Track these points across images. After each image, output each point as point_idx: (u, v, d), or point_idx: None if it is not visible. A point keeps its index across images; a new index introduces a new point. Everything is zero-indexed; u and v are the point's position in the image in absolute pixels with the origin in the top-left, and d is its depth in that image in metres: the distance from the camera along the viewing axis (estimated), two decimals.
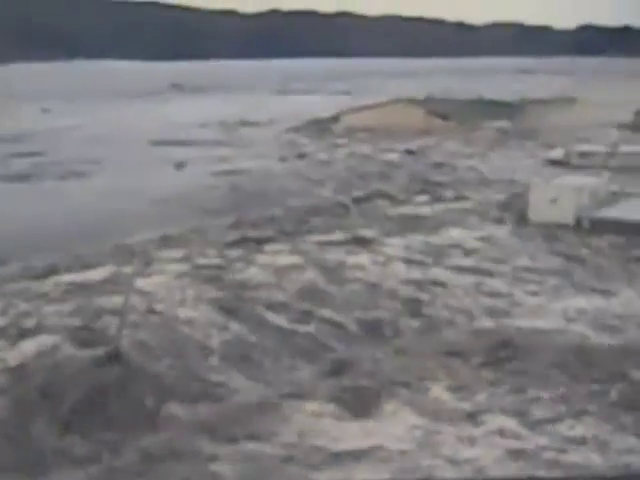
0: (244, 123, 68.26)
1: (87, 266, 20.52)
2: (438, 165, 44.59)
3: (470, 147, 51.92)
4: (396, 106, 65.70)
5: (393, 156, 47.96)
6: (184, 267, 20.14)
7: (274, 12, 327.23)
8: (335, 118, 65.29)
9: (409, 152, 49.86)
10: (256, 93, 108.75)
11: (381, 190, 35.91)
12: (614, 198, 32.86)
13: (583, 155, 41.99)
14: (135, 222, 27.72)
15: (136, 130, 61.03)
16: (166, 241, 24.82)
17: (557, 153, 44.25)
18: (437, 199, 34.07)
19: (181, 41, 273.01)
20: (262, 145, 53.63)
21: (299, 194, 34.85)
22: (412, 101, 69.14)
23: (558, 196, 30.68)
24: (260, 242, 24.29)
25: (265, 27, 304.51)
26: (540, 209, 30.86)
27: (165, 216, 29.26)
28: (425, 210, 31.20)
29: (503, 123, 63.02)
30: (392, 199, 33.93)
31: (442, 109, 65.42)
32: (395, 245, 24.65)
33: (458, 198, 34.49)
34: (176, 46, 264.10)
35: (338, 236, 25.52)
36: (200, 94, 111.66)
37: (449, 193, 35.45)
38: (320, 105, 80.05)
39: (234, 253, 22.41)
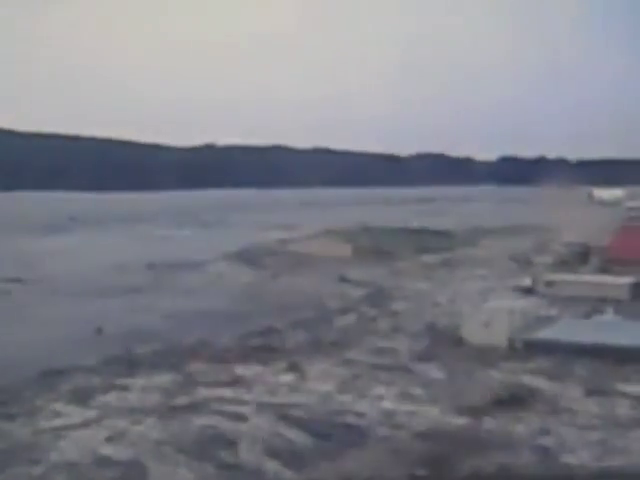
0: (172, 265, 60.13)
1: None
2: (371, 294, 46.38)
3: (404, 276, 54.21)
4: (331, 236, 68.32)
5: (329, 285, 50.05)
6: None
7: (209, 147, 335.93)
8: (269, 248, 67.56)
9: (344, 280, 51.94)
10: (183, 227, 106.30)
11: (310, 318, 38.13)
12: (544, 320, 35.06)
13: (549, 284, 44.71)
14: None
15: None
16: None
17: (526, 281, 47.09)
18: (366, 331, 35.53)
19: (112, 173, 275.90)
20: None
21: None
22: (346, 231, 71.86)
23: (491, 319, 32.63)
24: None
25: (200, 160, 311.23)
26: (474, 332, 32.65)
27: None
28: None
29: (437, 253, 65.76)
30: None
31: (376, 239, 68.24)
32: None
33: (395, 329, 36.30)
34: (106, 178, 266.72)
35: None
36: (97, 228, 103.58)
37: (383, 323, 37.48)
38: (243, 237, 79.05)
39: None
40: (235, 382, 26.08)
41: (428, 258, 63.22)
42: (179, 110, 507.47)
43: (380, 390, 25.31)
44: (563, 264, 54.99)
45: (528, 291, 45.09)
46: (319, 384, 26.03)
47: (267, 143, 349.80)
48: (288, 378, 26.73)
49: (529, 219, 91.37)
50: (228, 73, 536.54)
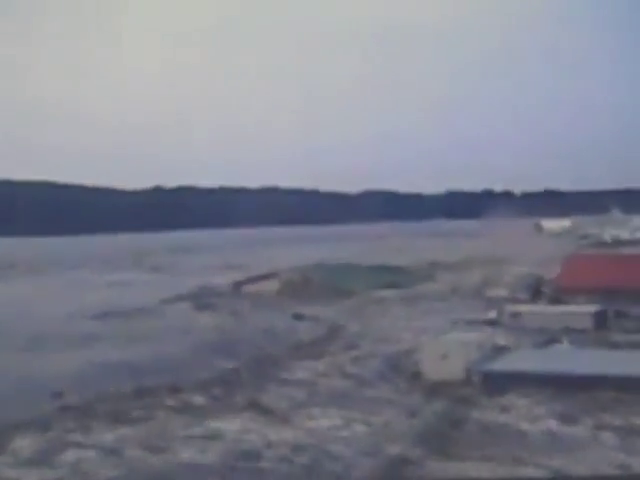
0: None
1: None
2: (327, 332, 46.06)
3: (361, 312, 53.99)
4: (285, 275, 68.01)
5: (282, 323, 49.71)
6: None
7: (157, 189, 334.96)
8: (223, 291, 67.12)
9: (298, 317, 51.57)
10: (133, 271, 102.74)
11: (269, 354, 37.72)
12: (502, 351, 35.13)
13: (514, 315, 44.92)
14: None
15: None
16: None
17: (490, 314, 47.40)
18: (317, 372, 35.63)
19: (57, 217, 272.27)
20: None
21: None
22: (300, 269, 71.48)
23: (448, 352, 32.52)
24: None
25: (149, 203, 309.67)
26: (432, 366, 32.48)
27: None
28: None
29: (396, 288, 65.25)
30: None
31: (331, 276, 68.05)
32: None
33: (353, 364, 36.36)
34: (50, 222, 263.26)
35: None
36: (40, 274, 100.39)
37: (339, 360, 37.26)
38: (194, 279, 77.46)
39: None
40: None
41: (386, 294, 62.98)
42: (127, 153, 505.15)
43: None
44: (516, 295, 55.46)
45: (493, 323, 45.25)
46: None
47: (216, 184, 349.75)
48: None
49: (482, 252, 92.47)
50: (176, 115, 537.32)
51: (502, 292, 56.58)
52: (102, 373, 34.83)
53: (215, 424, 26.23)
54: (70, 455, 23.54)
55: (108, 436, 25.36)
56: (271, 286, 65.66)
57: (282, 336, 44.50)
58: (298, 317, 51.71)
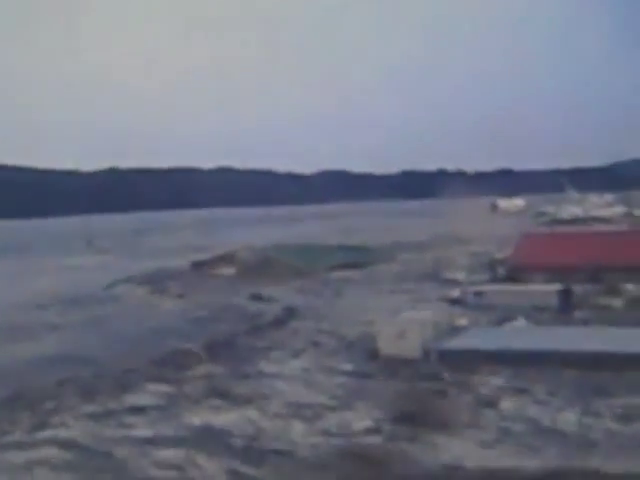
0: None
1: None
2: (287, 309, 46.07)
3: (318, 291, 54.05)
4: (242, 255, 67.56)
5: (240, 302, 49.58)
6: None
7: (112, 170, 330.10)
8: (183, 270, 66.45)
9: (256, 297, 51.40)
10: (90, 254, 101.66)
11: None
12: (457, 329, 35.43)
13: (477, 294, 45.22)
14: None
15: None
16: None
17: (454, 292, 47.74)
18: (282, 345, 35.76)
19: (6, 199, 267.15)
20: None
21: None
22: (259, 250, 71.06)
23: (404, 330, 32.71)
24: None
25: (103, 184, 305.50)
26: (389, 344, 32.65)
27: None
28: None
29: (358, 268, 65.22)
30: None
31: (290, 256, 67.70)
32: None
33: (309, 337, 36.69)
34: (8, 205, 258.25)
35: None
36: None
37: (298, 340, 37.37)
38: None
39: None
40: None
41: (347, 273, 62.96)
42: (81, 135, 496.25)
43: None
44: (473, 274, 55.96)
45: (456, 302, 45.56)
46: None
47: (170, 165, 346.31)
48: None
49: (439, 232, 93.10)
50: (131, 96, 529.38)
51: (460, 275, 56.94)
52: (35, 365, 33.45)
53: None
54: None
55: None
56: (229, 267, 65.31)
57: (239, 317, 44.29)
58: (256, 298, 51.49)
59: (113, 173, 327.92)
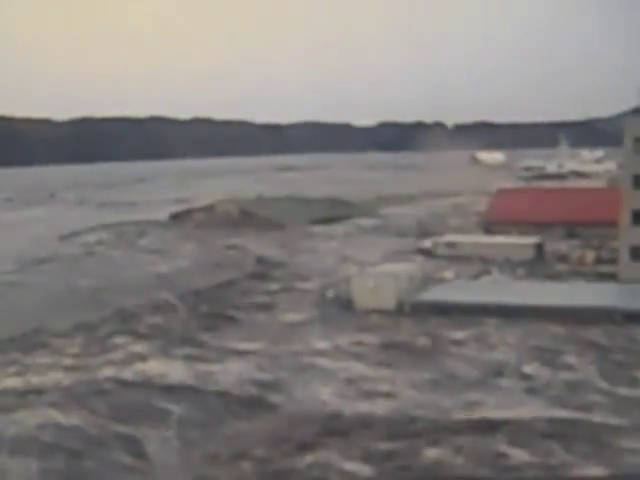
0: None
1: None
2: (261, 259, 46.12)
3: (299, 245, 53.83)
4: (222, 207, 67.12)
5: (218, 253, 49.65)
6: None
7: (86, 120, 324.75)
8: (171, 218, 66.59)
9: (231, 247, 51.45)
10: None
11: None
12: (430, 282, 35.73)
13: (449, 245, 45.34)
14: None
15: None
16: None
17: (426, 243, 47.67)
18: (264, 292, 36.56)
19: None
20: None
21: None
22: (239, 202, 70.28)
23: (378, 283, 32.93)
24: None
25: (78, 133, 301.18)
26: (363, 296, 32.88)
27: None
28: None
29: (335, 222, 64.84)
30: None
31: (271, 209, 66.98)
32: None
33: (286, 289, 37.17)
34: None
35: None
36: None
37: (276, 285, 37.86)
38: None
39: None
40: None
41: (328, 228, 62.49)
42: (56, 83, 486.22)
43: None
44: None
45: (428, 253, 45.65)
46: None
47: (146, 114, 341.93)
48: None
49: (420, 185, 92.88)
50: (109, 47, 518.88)
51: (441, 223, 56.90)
52: None
53: None
54: None
55: None
56: (209, 218, 65.03)
57: (215, 269, 44.28)
58: (232, 248, 51.51)
59: (87, 122, 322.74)
